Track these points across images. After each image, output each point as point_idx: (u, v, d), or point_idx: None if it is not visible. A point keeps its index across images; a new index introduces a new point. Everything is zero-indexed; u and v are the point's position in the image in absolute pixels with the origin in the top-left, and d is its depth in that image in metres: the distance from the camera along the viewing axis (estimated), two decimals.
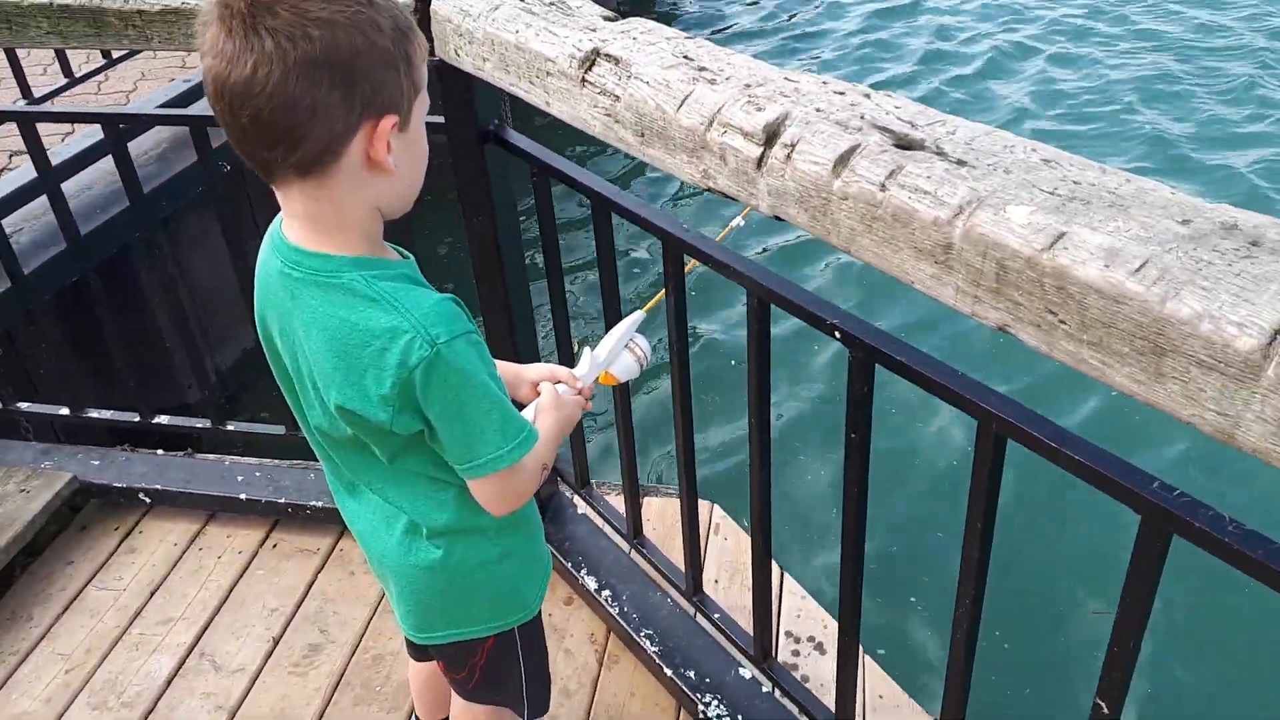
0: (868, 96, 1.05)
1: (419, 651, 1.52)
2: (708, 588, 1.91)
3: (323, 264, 0.99)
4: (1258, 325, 0.68)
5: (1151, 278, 0.74)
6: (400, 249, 1.08)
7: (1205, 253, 0.74)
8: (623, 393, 1.77)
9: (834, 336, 1.18)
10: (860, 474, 1.27)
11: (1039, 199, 0.83)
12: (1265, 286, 0.70)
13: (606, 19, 1.33)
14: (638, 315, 1.32)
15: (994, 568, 1.16)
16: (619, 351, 1.29)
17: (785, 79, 1.11)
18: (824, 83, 1.10)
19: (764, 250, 5.33)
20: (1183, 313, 0.71)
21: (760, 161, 1.03)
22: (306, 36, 0.86)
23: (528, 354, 1.96)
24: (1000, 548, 1.14)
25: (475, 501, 1.12)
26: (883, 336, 1.14)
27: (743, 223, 1.40)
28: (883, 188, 0.91)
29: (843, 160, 0.95)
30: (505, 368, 1.23)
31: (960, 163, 0.90)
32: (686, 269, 1.43)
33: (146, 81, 4.25)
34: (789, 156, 0.99)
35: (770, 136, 1.02)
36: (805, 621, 1.99)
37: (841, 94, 1.06)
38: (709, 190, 1.14)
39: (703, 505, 2.11)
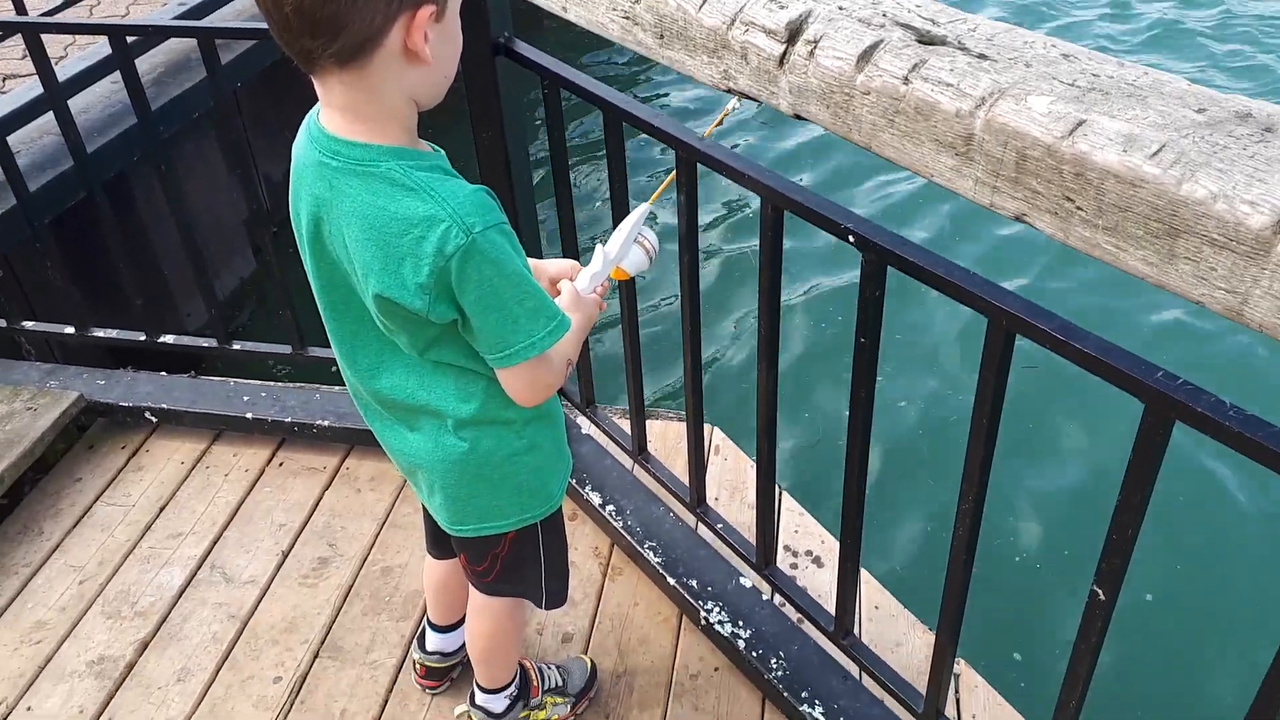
0: None
1: (440, 549, 1.56)
2: (709, 503, 1.95)
3: (363, 153, 1.01)
4: (1270, 204, 0.71)
5: (1168, 161, 0.76)
6: (431, 143, 1.09)
7: (1220, 138, 0.77)
8: (630, 309, 1.79)
9: (847, 240, 1.21)
10: (869, 378, 1.30)
11: (1059, 90, 0.85)
12: (1277, 168, 0.73)
13: None
14: (644, 208, 1.31)
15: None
16: (629, 246, 1.30)
17: None
18: None
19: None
20: (1198, 194, 0.74)
21: (783, 59, 1.04)
22: None
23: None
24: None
25: (502, 395, 1.15)
26: (895, 239, 1.16)
27: (738, 106, 1.33)
28: (906, 81, 0.92)
29: (866, 55, 0.96)
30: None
31: (982, 57, 0.91)
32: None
33: (139, 6, 4.19)
34: (812, 53, 1.01)
35: (793, 34, 1.03)
36: (803, 537, 2.04)
37: None
38: (729, 91, 1.16)
39: (704, 428, 2.15)
